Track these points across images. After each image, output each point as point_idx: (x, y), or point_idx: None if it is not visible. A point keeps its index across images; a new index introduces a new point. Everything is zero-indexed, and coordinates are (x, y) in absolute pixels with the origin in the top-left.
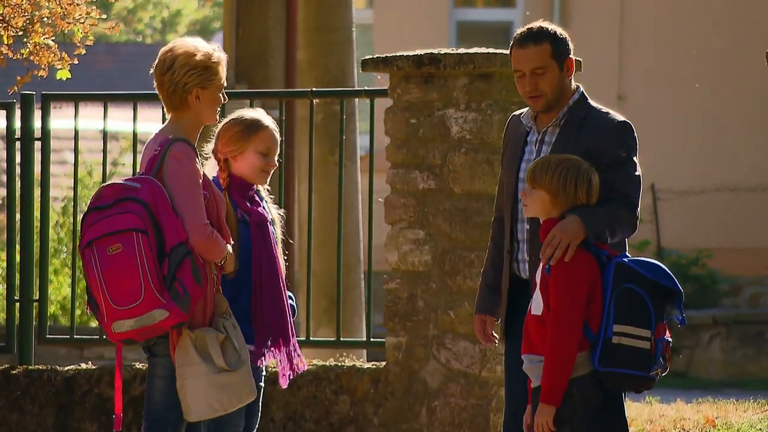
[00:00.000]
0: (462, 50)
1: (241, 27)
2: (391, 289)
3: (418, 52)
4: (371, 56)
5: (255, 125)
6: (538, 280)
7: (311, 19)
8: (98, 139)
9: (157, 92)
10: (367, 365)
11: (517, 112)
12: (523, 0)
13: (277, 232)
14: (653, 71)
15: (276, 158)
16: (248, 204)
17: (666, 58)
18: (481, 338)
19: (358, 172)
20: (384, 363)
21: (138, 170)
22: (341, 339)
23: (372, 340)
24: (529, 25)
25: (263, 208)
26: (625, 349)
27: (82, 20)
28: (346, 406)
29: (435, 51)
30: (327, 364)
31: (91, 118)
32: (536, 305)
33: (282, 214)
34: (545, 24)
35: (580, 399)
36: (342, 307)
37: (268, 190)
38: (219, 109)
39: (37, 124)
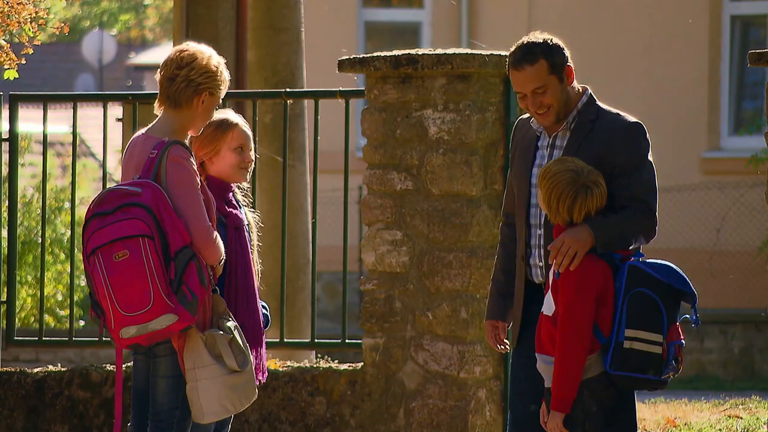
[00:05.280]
0: (440, 50)
1: (191, 28)
2: (368, 290)
3: (396, 52)
4: (347, 57)
5: (225, 124)
6: (550, 280)
7: (259, 19)
8: None
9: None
10: (343, 366)
11: (524, 116)
12: (431, 0)
13: (252, 236)
14: None
15: (251, 153)
16: (225, 206)
17: (574, 59)
18: (493, 344)
19: (307, 173)
20: (361, 364)
21: (121, 171)
22: (315, 341)
23: (347, 341)
24: (522, 41)
25: (240, 211)
26: (637, 353)
27: (30, 20)
28: (323, 407)
29: (412, 51)
30: (303, 365)
31: None
32: (547, 306)
33: (258, 216)
34: (536, 37)
35: (591, 400)
36: (291, 308)
37: (245, 193)
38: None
39: (4, 125)
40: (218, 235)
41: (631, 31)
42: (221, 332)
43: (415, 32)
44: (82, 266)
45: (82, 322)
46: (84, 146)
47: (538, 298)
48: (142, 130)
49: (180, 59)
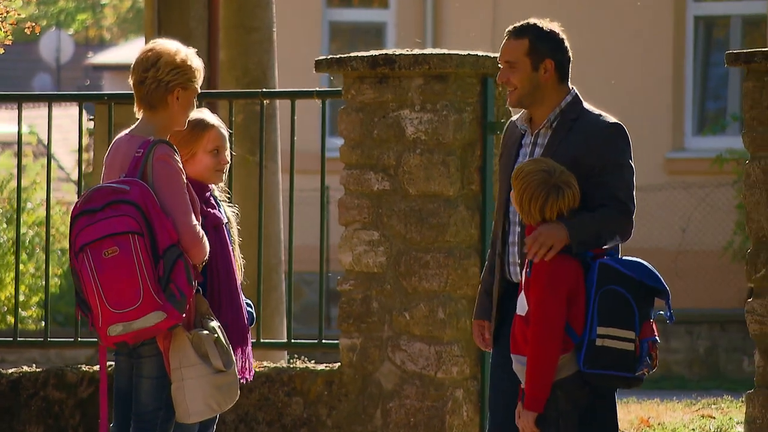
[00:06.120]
0: (417, 51)
1: (163, 28)
2: (346, 291)
3: (373, 52)
4: (325, 57)
5: (201, 125)
6: (522, 280)
7: (231, 18)
8: None
9: (131, 91)
10: (320, 367)
11: (513, 118)
12: (396, 1)
13: (233, 232)
14: None
15: (227, 154)
16: (204, 206)
17: None
18: (479, 344)
19: (279, 173)
20: (338, 364)
21: (104, 171)
22: (292, 341)
23: (324, 341)
24: (529, 20)
25: (219, 210)
26: (609, 350)
27: (1, 19)
28: (299, 407)
29: (390, 51)
30: (279, 365)
31: None
32: (520, 306)
33: (237, 212)
34: (543, 22)
35: (565, 400)
36: (264, 308)
37: (225, 189)
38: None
39: None
40: (204, 235)
41: (594, 31)
42: (206, 332)
43: (380, 32)
44: (52, 267)
45: (41, 323)
46: (42, 146)
47: (515, 296)
48: (126, 131)
49: (146, 60)
